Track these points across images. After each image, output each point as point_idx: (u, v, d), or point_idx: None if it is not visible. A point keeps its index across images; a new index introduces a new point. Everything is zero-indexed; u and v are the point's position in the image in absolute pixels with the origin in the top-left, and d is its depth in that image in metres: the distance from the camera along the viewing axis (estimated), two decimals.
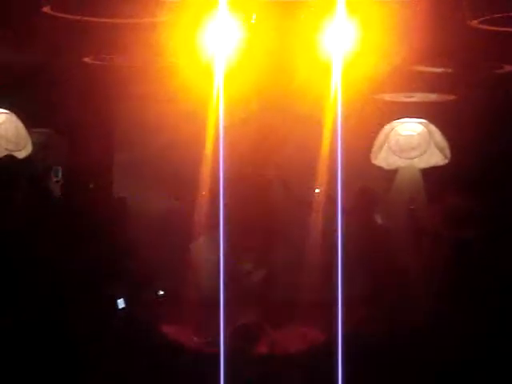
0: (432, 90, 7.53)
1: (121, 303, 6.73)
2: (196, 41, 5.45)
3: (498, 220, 7.08)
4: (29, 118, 7.73)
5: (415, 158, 7.99)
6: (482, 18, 5.12)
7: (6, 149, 7.66)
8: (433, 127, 7.95)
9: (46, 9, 5.22)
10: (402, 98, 7.78)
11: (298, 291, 7.19)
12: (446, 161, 7.94)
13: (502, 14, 5.05)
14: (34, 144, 7.89)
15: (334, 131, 5.51)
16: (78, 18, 5.33)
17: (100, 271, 6.66)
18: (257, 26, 5.45)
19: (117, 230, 7.18)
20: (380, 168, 8.04)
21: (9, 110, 7.69)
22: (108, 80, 7.13)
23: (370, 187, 7.85)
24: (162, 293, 7.17)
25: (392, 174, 8.07)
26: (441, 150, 7.95)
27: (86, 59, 6.52)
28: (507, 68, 6.53)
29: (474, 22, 5.17)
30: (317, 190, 7.34)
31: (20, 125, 7.75)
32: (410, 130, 7.99)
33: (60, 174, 7.90)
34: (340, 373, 5.19)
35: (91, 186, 7.62)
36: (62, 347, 6.04)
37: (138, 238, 7.37)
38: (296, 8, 5.42)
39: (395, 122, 7.98)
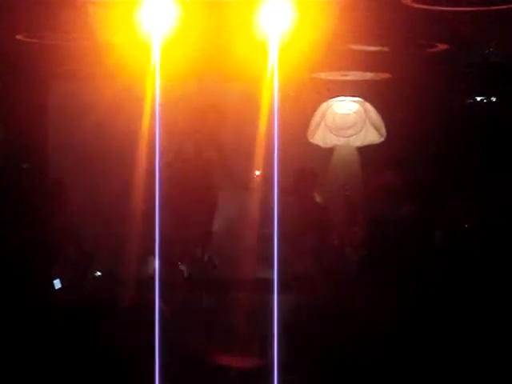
0: (367, 69, 7.59)
1: (57, 284, 6.70)
2: (132, 19, 5.40)
3: (432, 197, 7.19)
4: None
5: (351, 136, 8.06)
6: None
7: None
8: (368, 106, 8.02)
9: None
10: (338, 76, 7.82)
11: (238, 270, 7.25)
12: (382, 139, 8.02)
13: None
14: None
15: (271, 109, 5.53)
16: None
17: (36, 253, 6.60)
18: (192, 3, 5.42)
19: (51, 212, 7.11)
20: (317, 146, 8.10)
21: None
22: (42, 58, 7.03)
23: (309, 167, 7.89)
24: (99, 274, 7.13)
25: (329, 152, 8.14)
26: (376, 128, 8.03)
27: (19, 36, 6.41)
28: (441, 47, 6.61)
29: (408, 1, 5.22)
30: (257, 172, 7.36)
31: None
32: (346, 108, 8.05)
33: None
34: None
35: (25, 166, 7.52)
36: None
37: (74, 220, 7.32)
38: None
39: (331, 101, 8.04)
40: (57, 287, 6.70)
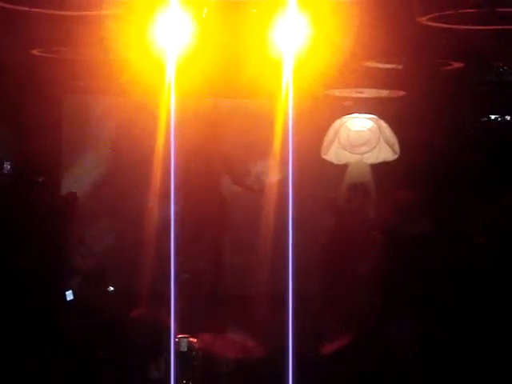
0: (382, 86, 7.59)
1: (69, 295, 6.70)
2: (147, 34, 5.42)
3: (446, 214, 7.17)
4: None
5: (365, 153, 8.06)
6: (430, 15, 5.18)
7: None
8: (383, 123, 8.02)
9: None
10: (353, 93, 7.83)
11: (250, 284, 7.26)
12: (396, 156, 8.02)
13: (451, 11, 5.12)
14: None
15: (286, 126, 5.53)
16: (27, 9, 5.26)
17: (49, 266, 6.61)
18: (208, 20, 5.44)
19: (66, 224, 7.12)
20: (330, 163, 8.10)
21: None
22: (57, 73, 7.06)
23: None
24: (112, 288, 7.12)
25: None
26: (390, 145, 8.02)
27: (35, 51, 6.44)
28: (456, 65, 6.61)
29: (423, 19, 5.22)
30: None
31: None
32: (360, 125, 8.05)
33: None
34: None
35: (40, 180, 7.54)
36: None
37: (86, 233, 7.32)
38: (247, 3, 5.42)
39: (345, 118, 8.04)
40: (68, 299, 6.69)
